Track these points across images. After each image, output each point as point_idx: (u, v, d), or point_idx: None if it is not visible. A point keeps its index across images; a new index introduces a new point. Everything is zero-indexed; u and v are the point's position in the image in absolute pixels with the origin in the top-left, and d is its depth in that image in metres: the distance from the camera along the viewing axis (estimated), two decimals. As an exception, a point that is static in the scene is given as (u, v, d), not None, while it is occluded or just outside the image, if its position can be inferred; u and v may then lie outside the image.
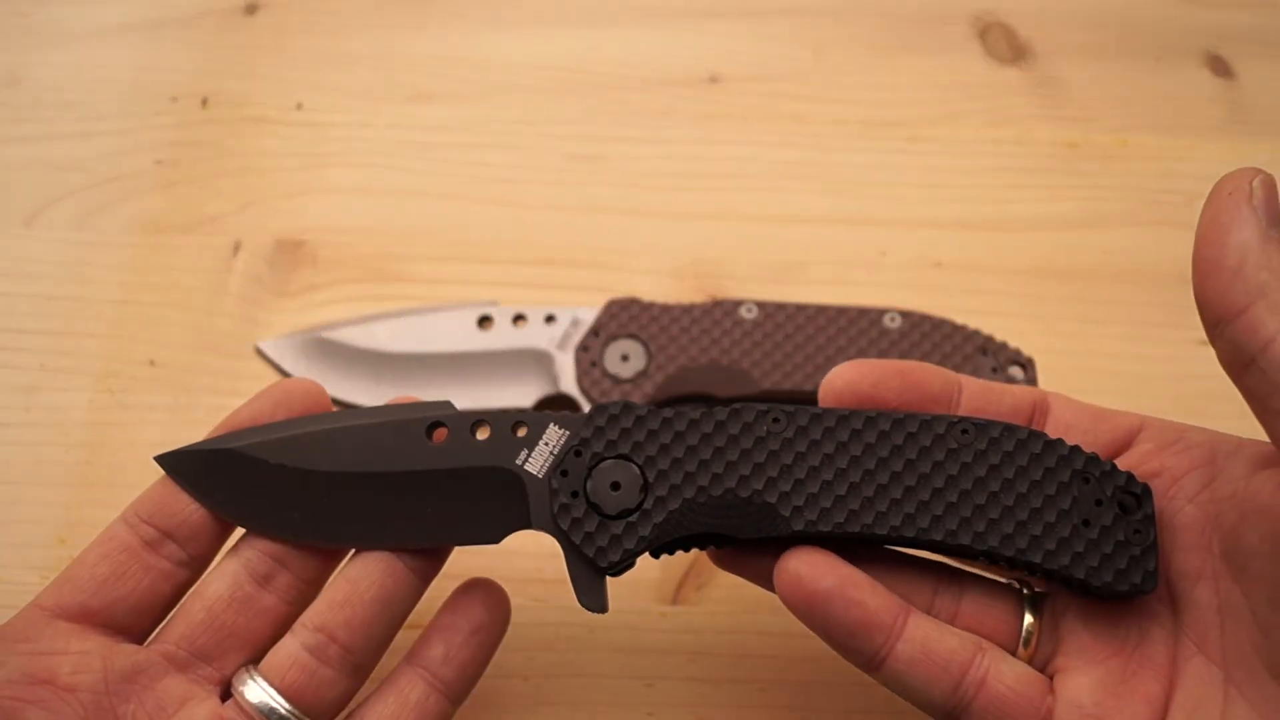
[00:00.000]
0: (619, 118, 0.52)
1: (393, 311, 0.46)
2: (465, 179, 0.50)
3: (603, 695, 0.39)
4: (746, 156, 0.51)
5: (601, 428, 0.31)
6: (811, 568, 0.30)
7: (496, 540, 0.32)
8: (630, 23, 0.55)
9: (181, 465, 0.33)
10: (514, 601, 0.40)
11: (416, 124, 0.51)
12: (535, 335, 0.44)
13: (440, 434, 0.32)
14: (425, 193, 0.50)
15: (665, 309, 0.45)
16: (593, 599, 0.31)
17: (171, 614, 0.32)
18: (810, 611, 0.30)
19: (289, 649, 0.32)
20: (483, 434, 0.32)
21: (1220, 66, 0.53)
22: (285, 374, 0.32)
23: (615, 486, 0.31)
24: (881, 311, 0.44)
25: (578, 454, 0.31)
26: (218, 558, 0.33)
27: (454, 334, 0.45)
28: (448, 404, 0.33)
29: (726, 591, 0.41)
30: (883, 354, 0.43)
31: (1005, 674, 0.30)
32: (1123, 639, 0.30)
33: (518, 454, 0.31)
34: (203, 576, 0.33)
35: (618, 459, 0.31)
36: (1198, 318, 0.29)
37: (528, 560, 0.41)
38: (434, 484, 0.32)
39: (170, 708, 0.31)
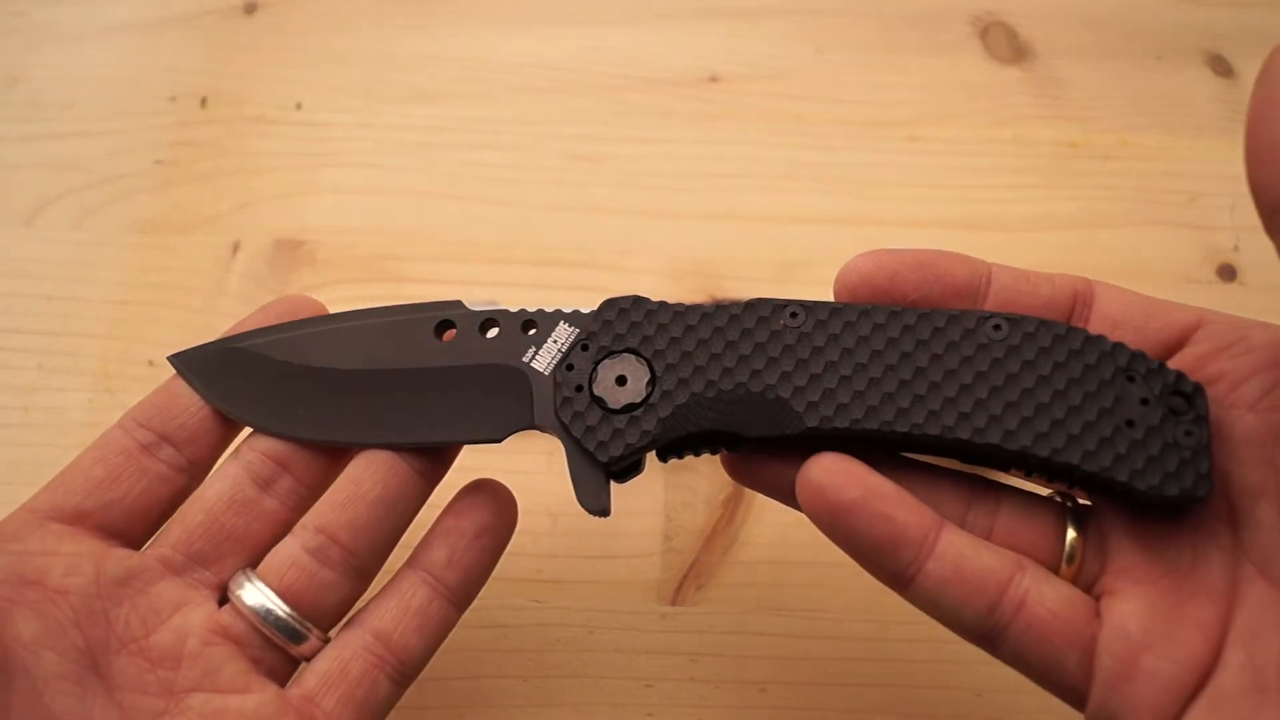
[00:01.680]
0: (619, 118, 0.52)
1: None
2: (465, 179, 0.50)
3: (602, 696, 0.39)
4: (746, 156, 0.51)
5: (610, 321, 0.30)
6: (835, 476, 0.27)
7: (499, 439, 0.31)
8: (630, 23, 0.55)
9: (192, 365, 0.32)
10: (514, 602, 0.40)
11: (416, 124, 0.51)
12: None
13: (450, 334, 0.32)
14: (425, 193, 0.49)
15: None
16: (593, 499, 0.30)
17: (170, 519, 0.31)
18: (833, 524, 0.28)
19: (288, 550, 0.31)
20: (493, 333, 0.31)
21: (1221, 66, 0.53)
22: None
23: (621, 381, 0.30)
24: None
25: (584, 348, 0.30)
26: (218, 464, 0.33)
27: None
28: (458, 303, 0.32)
29: (727, 592, 0.41)
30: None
31: (1047, 596, 0.27)
32: (1175, 559, 0.27)
33: (525, 351, 0.31)
34: (204, 482, 0.32)
35: (625, 353, 0.30)
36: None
37: (527, 561, 0.41)
38: (440, 381, 0.31)
39: (164, 612, 0.30)
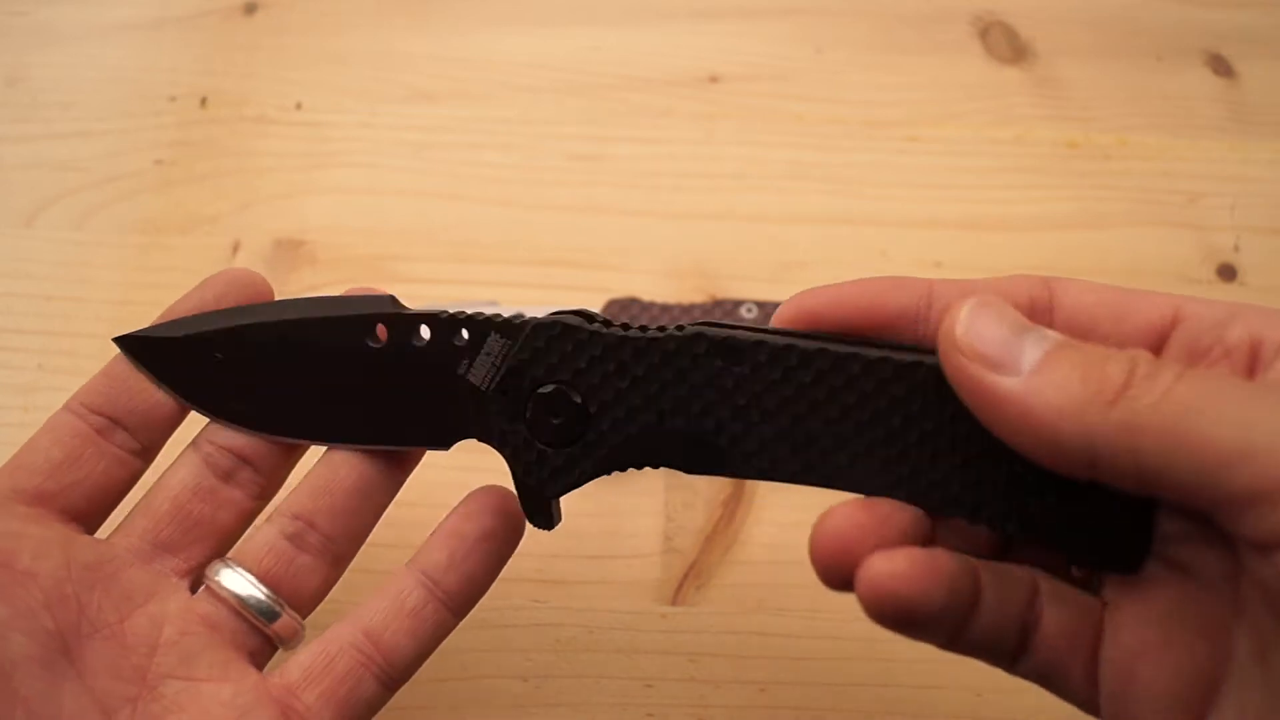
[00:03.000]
0: (619, 118, 0.52)
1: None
2: (465, 179, 0.50)
3: (602, 696, 0.39)
4: (746, 156, 0.51)
5: (541, 349, 0.29)
6: (883, 566, 0.25)
7: (446, 446, 0.31)
8: (630, 23, 0.55)
9: (135, 348, 0.32)
10: (513, 602, 0.40)
11: (416, 124, 0.51)
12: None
13: (381, 332, 0.31)
14: (425, 193, 0.49)
15: (665, 309, 0.45)
16: (542, 519, 0.30)
17: (132, 509, 0.31)
18: (889, 617, 0.26)
19: (265, 536, 0.31)
20: (424, 334, 0.31)
21: (1221, 66, 0.53)
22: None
23: (555, 414, 0.29)
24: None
25: (517, 375, 0.30)
26: (180, 452, 0.32)
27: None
28: (390, 299, 0.32)
29: (727, 592, 0.41)
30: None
31: (1057, 612, 0.26)
32: (1173, 560, 0.26)
33: (459, 363, 0.31)
34: (164, 472, 0.32)
35: (558, 386, 0.29)
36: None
37: (528, 560, 0.40)
38: (378, 386, 0.31)
39: (137, 599, 0.30)
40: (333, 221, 0.49)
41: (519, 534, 0.33)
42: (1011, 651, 0.27)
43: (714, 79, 0.53)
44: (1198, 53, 0.54)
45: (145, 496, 0.31)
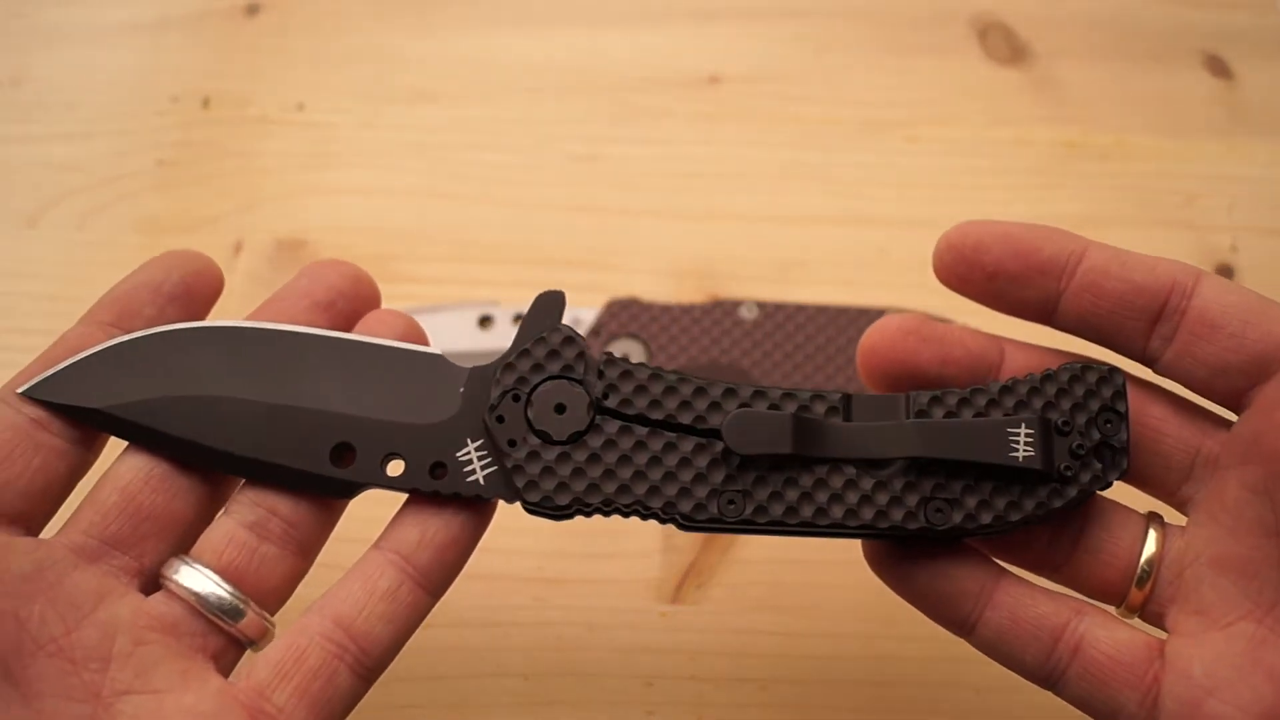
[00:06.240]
0: (619, 118, 0.52)
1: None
2: (466, 179, 0.50)
3: (602, 694, 0.39)
4: (746, 156, 0.51)
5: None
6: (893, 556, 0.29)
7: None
8: (630, 23, 0.55)
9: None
10: (514, 601, 0.40)
11: (417, 124, 0.51)
12: None
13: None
14: (426, 193, 0.50)
15: (665, 309, 0.45)
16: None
17: (81, 503, 0.29)
18: (899, 588, 0.29)
19: (225, 528, 0.28)
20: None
21: (1219, 67, 0.53)
22: None
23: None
24: (881, 311, 0.44)
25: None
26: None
27: (455, 333, 0.45)
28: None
29: (727, 590, 0.41)
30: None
31: (1102, 639, 0.28)
32: (1256, 597, 0.27)
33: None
34: (115, 460, 0.29)
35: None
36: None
37: (528, 559, 0.41)
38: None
39: (85, 606, 0.27)
40: (334, 221, 0.49)
41: (491, 508, 0.31)
42: (1040, 669, 0.28)
43: (714, 79, 0.53)
44: (1195, 54, 0.54)
45: (94, 489, 0.29)
